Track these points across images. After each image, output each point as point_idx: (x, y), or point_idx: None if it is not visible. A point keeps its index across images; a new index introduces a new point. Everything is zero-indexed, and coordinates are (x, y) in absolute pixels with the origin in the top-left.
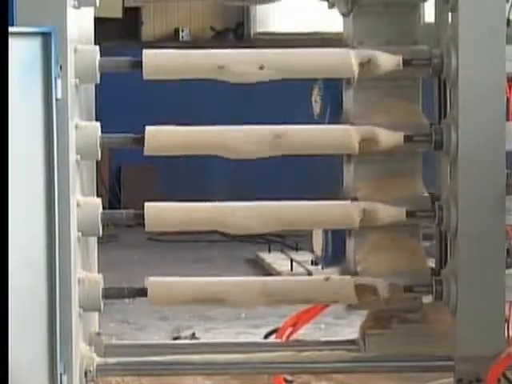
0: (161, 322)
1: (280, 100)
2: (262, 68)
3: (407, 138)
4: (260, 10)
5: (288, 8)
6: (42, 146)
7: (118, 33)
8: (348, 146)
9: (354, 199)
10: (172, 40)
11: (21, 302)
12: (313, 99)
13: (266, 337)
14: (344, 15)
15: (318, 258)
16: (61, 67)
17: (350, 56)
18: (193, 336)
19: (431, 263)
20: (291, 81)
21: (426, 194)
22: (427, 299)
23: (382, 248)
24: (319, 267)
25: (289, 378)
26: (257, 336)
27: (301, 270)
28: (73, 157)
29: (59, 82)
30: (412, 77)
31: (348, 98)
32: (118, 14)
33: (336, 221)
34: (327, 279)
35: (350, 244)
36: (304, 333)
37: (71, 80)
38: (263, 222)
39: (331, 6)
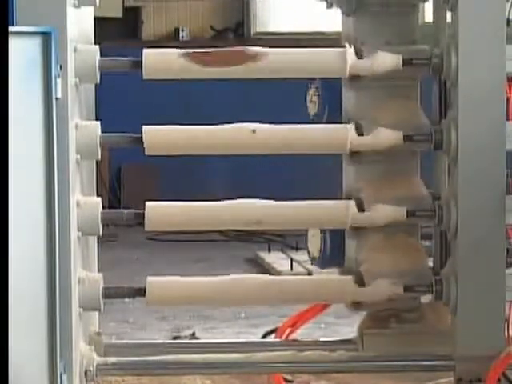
0: (161, 322)
1: (279, 100)
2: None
3: (407, 138)
4: (260, 10)
5: (288, 8)
6: (41, 146)
7: (118, 33)
8: (347, 146)
9: (354, 199)
10: (172, 40)
11: (21, 301)
12: (308, 99)
13: (264, 336)
14: (348, 15)
15: (314, 259)
16: (61, 67)
17: (350, 56)
18: (193, 336)
19: (431, 263)
20: (291, 81)
21: (426, 194)
22: (425, 299)
23: (383, 248)
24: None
25: (288, 377)
26: (257, 336)
27: (301, 269)
28: (73, 156)
29: (59, 81)
30: (412, 76)
31: (347, 97)
32: (118, 13)
33: (335, 221)
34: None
35: (351, 244)
36: (304, 332)
37: (71, 80)
38: (263, 221)
39: (330, 5)
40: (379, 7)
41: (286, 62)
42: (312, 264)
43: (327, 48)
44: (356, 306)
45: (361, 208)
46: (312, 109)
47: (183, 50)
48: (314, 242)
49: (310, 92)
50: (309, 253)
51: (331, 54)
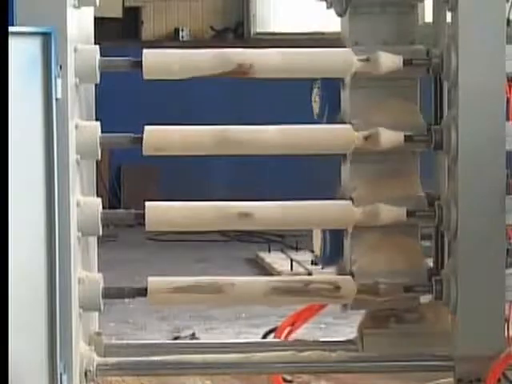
0: (161, 322)
1: (280, 100)
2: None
3: (407, 138)
4: (260, 10)
5: (288, 8)
6: (41, 146)
7: (117, 33)
8: (347, 146)
9: (353, 199)
10: (172, 40)
11: (21, 301)
12: (313, 99)
13: (264, 336)
14: (340, 15)
15: (318, 258)
16: (61, 67)
17: (350, 56)
18: (193, 336)
19: (431, 263)
20: (291, 81)
21: (422, 194)
22: (425, 299)
23: (378, 247)
24: (319, 267)
25: (288, 377)
26: (257, 336)
27: (301, 269)
28: (73, 156)
29: (59, 81)
30: (411, 77)
31: (346, 97)
32: (118, 13)
33: (336, 221)
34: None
35: (347, 244)
36: (304, 332)
37: (71, 80)
38: (263, 221)
39: (329, 5)
40: (375, 8)
41: (290, 62)
42: (315, 263)
43: (327, 48)
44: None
45: (358, 208)
46: (315, 109)
47: (183, 60)
48: (317, 241)
49: (314, 92)
50: (313, 252)
51: (336, 55)
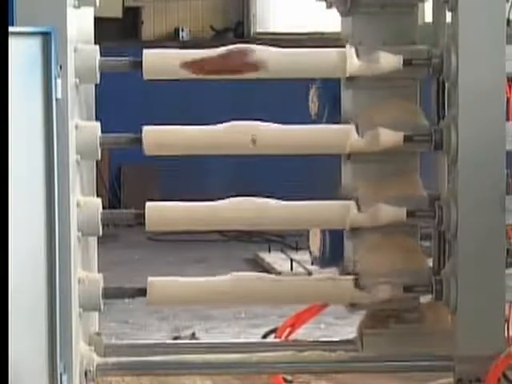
0: (161, 322)
1: (279, 100)
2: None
3: (407, 138)
4: (260, 10)
5: (288, 8)
6: (42, 146)
7: (117, 33)
8: (346, 146)
9: (353, 199)
10: (172, 40)
11: (21, 301)
12: (310, 99)
13: (264, 336)
14: (342, 15)
15: (316, 259)
16: (61, 67)
17: (349, 56)
18: (193, 336)
19: (431, 263)
20: (291, 81)
21: (423, 194)
22: (425, 299)
23: (380, 248)
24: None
25: (288, 377)
26: (257, 336)
27: (301, 269)
28: (73, 156)
29: (59, 81)
30: (411, 77)
31: (347, 97)
32: (118, 13)
33: (335, 221)
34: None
35: (349, 244)
36: (304, 332)
37: (71, 80)
38: (263, 221)
39: (329, 5)
40: (377, 7)
41: (286, 63)
42: (313, 264)
43: (327, 48)
44: (354, 305)
45: (358, 208)
46: (313, 109)
47: (183, 59)
48: (316, 241)
49: (311, 92)
50: (310, 252)
51: (331, 55)
